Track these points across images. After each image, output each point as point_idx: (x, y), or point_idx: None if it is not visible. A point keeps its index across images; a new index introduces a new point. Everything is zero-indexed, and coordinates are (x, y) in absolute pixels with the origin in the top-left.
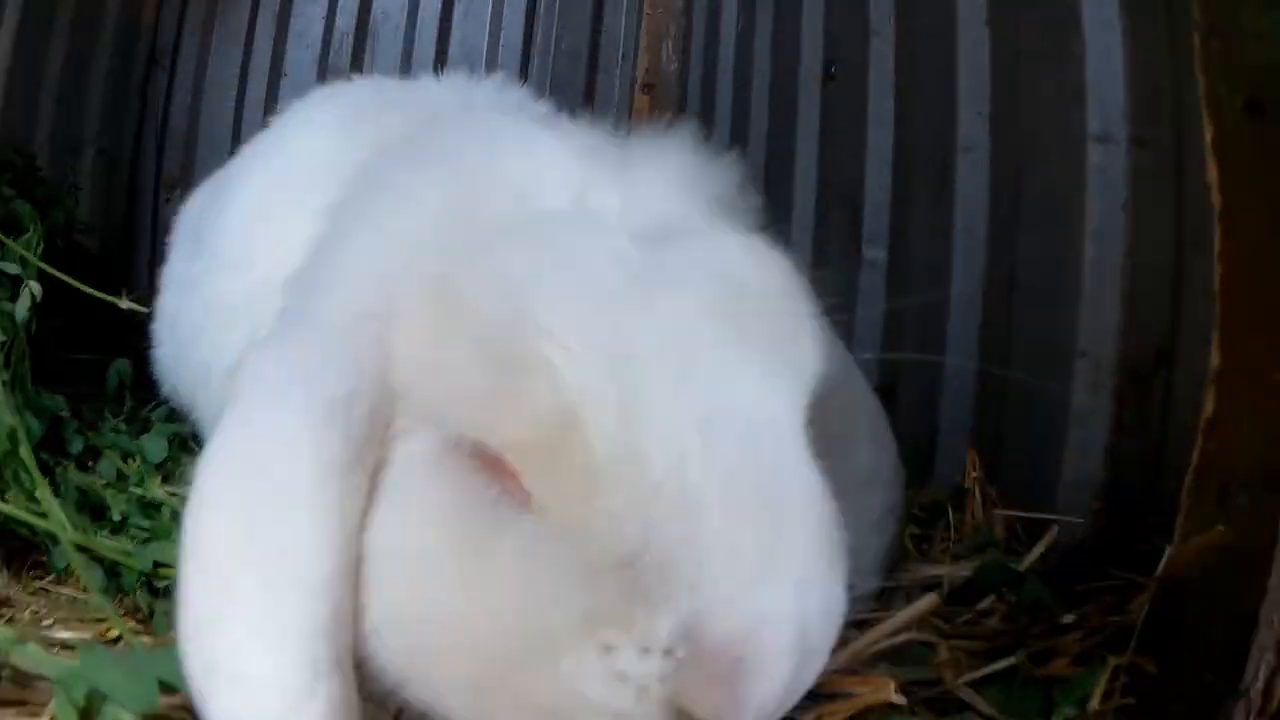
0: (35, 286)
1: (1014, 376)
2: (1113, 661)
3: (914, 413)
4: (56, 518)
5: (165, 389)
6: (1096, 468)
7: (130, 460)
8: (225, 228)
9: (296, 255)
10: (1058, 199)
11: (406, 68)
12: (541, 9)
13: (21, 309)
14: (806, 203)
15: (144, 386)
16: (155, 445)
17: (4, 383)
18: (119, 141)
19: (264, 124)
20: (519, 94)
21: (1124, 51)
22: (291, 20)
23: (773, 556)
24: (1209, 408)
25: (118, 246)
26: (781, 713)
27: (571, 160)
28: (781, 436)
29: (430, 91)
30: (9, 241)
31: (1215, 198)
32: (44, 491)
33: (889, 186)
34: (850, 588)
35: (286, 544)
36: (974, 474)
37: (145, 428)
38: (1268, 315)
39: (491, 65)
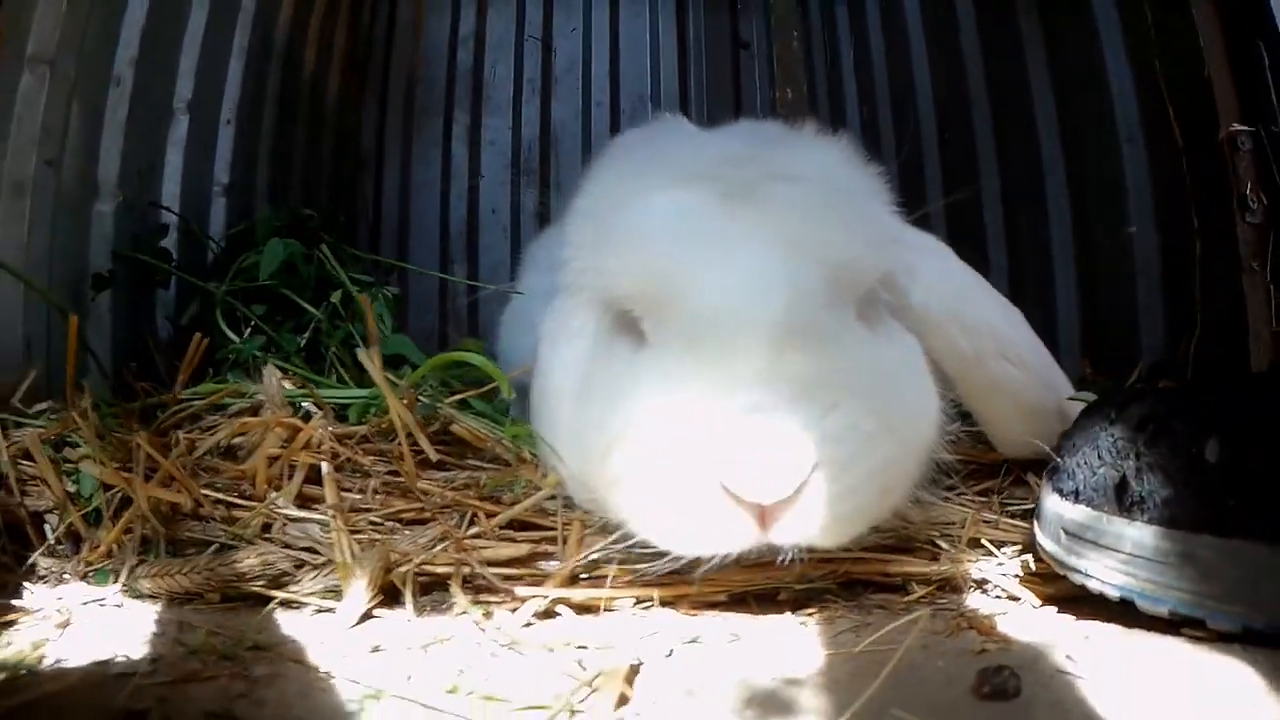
0: (393, 288)
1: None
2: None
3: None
4: None
5: None
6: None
7: None
8: None
9: None
10: (1109, 185)
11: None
12: (692, 120)
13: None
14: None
15: None
16: None
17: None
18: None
19: (466, 219)
20: None
21: (1134, 87)
22: (483, 130)
23: (784, 375)
24: (1198, 247)
25: None
26: (787, 484)
27: (714, 152)
28: (796, 292)
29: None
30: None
31: (1178, 140)
32: None
33: (1000, 212)
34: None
35: (555, 415)
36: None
37: None
38: (1207, 188)
39: None
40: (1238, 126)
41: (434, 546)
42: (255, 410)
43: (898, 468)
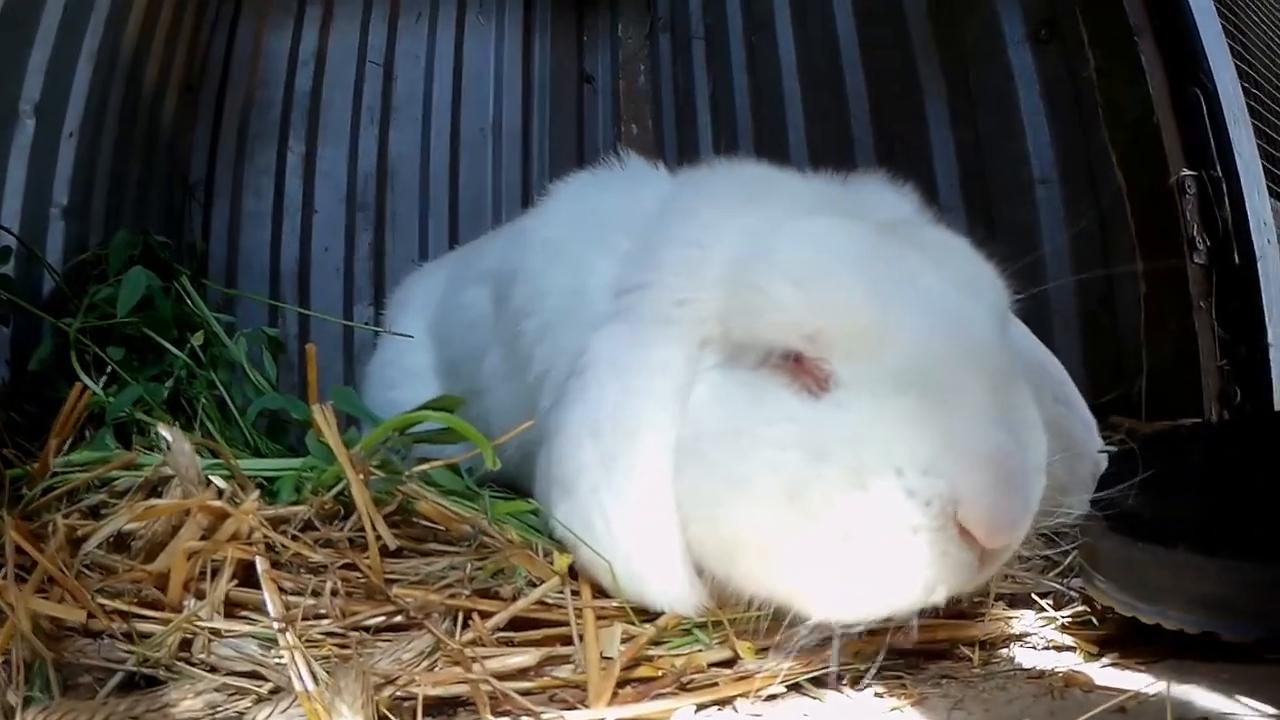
0: (273, 329)
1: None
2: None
3: None
4: None
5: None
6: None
7: None
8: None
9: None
10: (1021, 226)
11: (424, 205)
12: (535, 154)
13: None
14: None
15: None
16: None
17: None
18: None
19: (299, 256)
20: None
21: (1049, 128)
22: (318, 161)
23: (1002, 412)
24: (1142, 287)
25: None
26: (1024, 526)
27: (810, 189)
28: (986, 328)
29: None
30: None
31: (1120, 181)
32: None
33: None
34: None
35: (618, 458)
36: None
37: None
38: (1152, 230)
39: (495, 200)
40: (1186, 171)
41: (423, 661)
42: (154, 486)
43: None
